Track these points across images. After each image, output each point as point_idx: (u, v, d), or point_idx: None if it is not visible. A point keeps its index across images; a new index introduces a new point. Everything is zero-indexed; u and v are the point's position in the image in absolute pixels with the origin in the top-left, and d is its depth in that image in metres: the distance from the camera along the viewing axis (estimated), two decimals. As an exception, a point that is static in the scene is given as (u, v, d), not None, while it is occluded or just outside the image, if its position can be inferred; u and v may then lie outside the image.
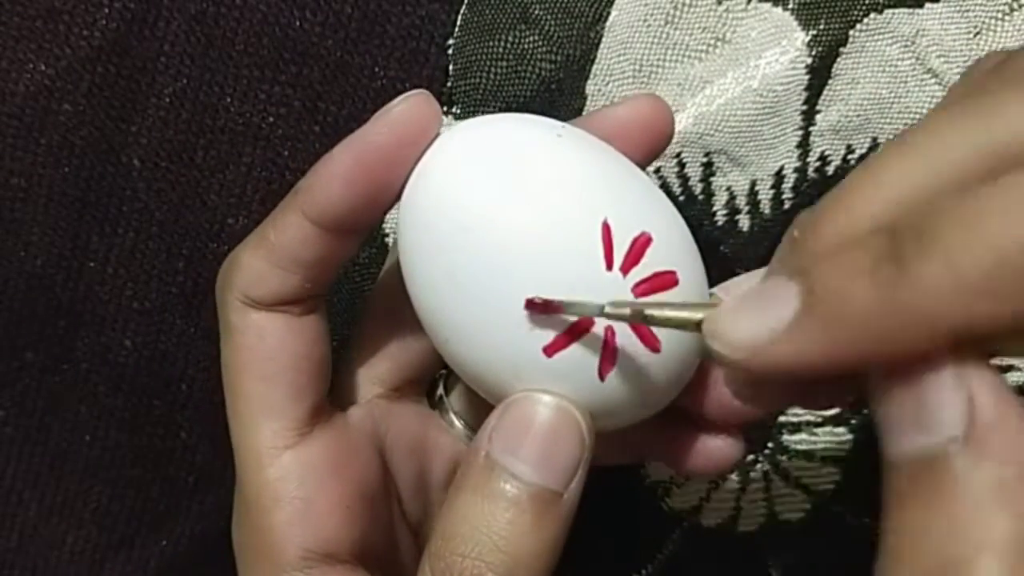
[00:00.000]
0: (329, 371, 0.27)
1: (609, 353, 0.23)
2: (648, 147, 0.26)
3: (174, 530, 0.35)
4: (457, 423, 0.29)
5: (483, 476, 0.22)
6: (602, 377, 0.23)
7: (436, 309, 0.23)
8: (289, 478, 0.25)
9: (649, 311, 0.21)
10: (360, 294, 0.33)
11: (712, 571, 0.38)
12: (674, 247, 0.24)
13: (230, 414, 0.26)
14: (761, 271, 0.23)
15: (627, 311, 0.21)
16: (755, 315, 0.19)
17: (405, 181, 0.24)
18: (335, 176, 0.24)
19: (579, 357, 0.23)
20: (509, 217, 0.23)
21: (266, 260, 0.25)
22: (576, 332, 0.22)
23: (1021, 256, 0.16)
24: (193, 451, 0.34)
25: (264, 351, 0.25)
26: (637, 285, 0.23)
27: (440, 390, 0.30)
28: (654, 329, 0.23)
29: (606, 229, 0.23)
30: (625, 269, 0.23)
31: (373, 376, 0.28)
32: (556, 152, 0.24)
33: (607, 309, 0.21)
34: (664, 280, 0.23)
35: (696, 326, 0.20)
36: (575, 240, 0.22)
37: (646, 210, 0.24)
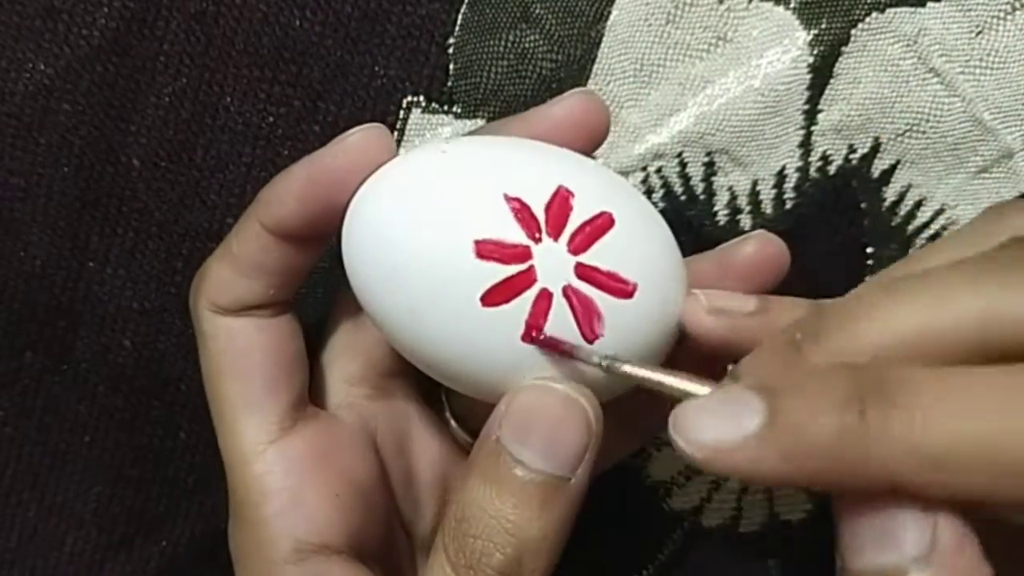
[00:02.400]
0: (305, 367, 0.27)
1: (537, 314, 0.23)
2: (583, 144, 0.26)
3: (173, 530, 0.35)
4: (453, 422, 0.30)
5: (491, 462, 0.23)
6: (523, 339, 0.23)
7: (399, 332, 0.24)
8: (275, 471, 0.26)
9: (647, 374, 0.22)
10: (333, 294, 0.33)
11: (713, 571, 0.38)
12: (599, 192, 0.24)
13: (214, 419, 0.27)
14: (745, 296, 0.24)
15: (624, 368, 0.23)
16: (719, 421, 0.20)
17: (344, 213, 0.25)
18: (289, 192, 0.25)
19: (512, 313, 0.23)
20: (432, 233, 0.23)
21: (230, 269, 0.26)
22: (513, 289, 0.23)
23: (977, 449, 0.18)
24: (192, 451, 0.34)
25: (235, 351, 0.26)
26: (571, 240, 0.23)
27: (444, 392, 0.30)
28: (601, 301, 0.23)
29: (559, 198, 0.23)
30: (574, 247, 0.23)
31: (350, 375, 0.29)
32: (453, 160, 0.24)
33: (603, 363, 0.23)
34: (597, 225, 0.24)
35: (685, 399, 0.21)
36: (493, 225, 0.23)
37: (556, 171, 0.24)
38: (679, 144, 0.33)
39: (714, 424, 0.20)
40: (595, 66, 0.32)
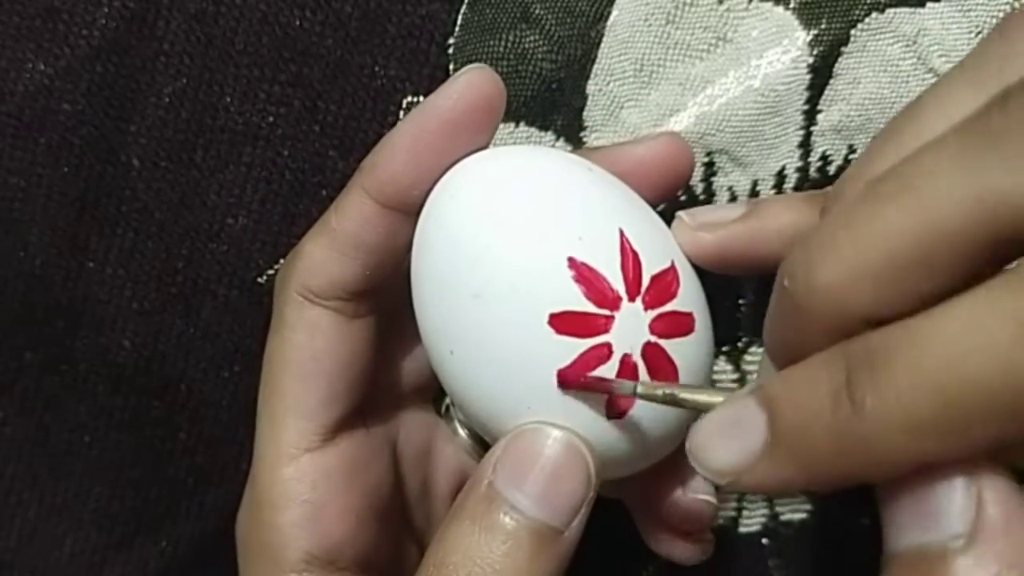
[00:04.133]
0: (367, 383, 0.26)
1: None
2: (664, 188, 0.26)
3: (173, 531, 0.35)
4: (462, 432, 0.29)
5: (483, 506, 0.22)
6: (610, 417, 0.22)
7: (448, 325, 0.23)
8: (304, 480, 0.25)
9: (681, 394, 0.21)
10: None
11: (713, 572, 0.38)
12: (691, 290, 0.23)
13: (260, 405, 0.26)
14: (730, 204, 0.23)
15: (659, 392, 0.22)
16: (730, 443, 0.19)
17: (425, 200, 0.24)
18: (398, 148, 0.24)
19: (590, 394, 0.22)
20: (535, 235, 0.22)
21: (327, 247, 0.25)
22: (594, 363, 0.22)
23: (966, 397, 0.16)
24: (192, 452, 0.34)
25: (311, 350, 0.25)
26: (655, 320, 0.22)
27: (448, 399, 0.30)
28: (676, 362, 0.23)
29: (632, 258, 0.22)
30: (648, 303, 0.22)
31: (386, 385, 0.28)
32: (585, 183, 0.23)
33: (639, 389, 0.22)
34: (681, 322, 0.23)
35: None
36: (600, 263, 0.22)
37: (670, 246, 0.24)
38: (679, 144, 0.33)
39: (725, 447, 0.19)
40: (595, 66, 0.32)
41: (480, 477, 0.22)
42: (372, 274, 0.25)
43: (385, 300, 0.27)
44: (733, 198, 0.33)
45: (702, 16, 0.32)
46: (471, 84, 0.23)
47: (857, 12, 0.32)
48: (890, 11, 0.32)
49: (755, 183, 0.33)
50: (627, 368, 0.22)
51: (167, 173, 0.32)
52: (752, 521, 0.37)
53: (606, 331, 0.22)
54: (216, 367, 0.33)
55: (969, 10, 0.32)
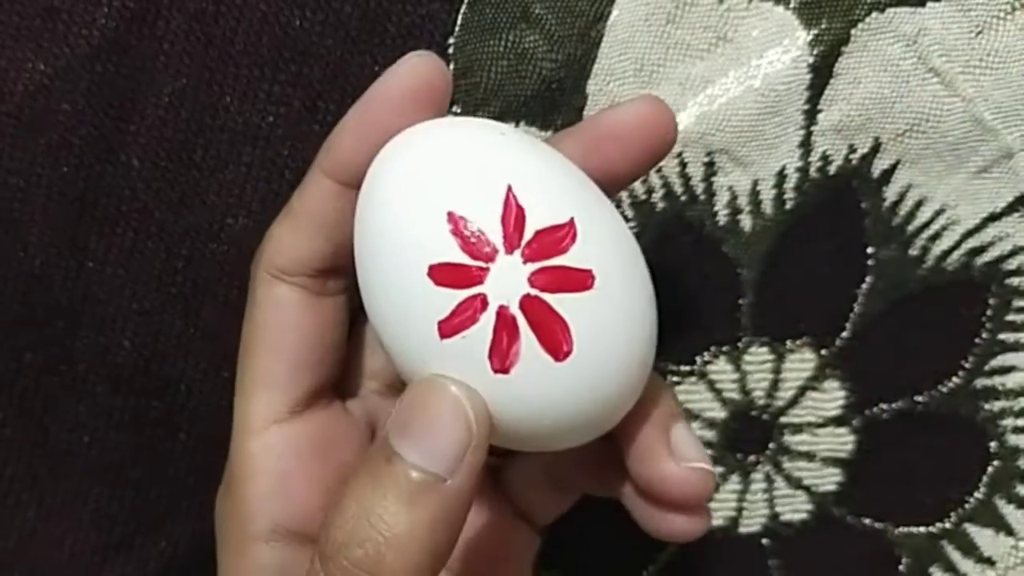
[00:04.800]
0: (339, 359, 0.27)
1: (499, 348, 0.22)
2: (648, 152, 0.26)
3: (173, 531, 0.34)
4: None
5: (377, 456, 0.22)
6: (495, 371, 0.23)
7: (363, 285, 0.24)
8: (271, 451, 0.26)
9: None
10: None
11: (713, 572, 0.38)
12: (604, 250, 0.23)
13: (236, 385, 0.27)
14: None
15: None
16: None
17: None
18: (346, 129, 0.25)
19: (471, 345, 0.22)
20: (422, 192, 0.23)
21: (290, 227, 0.26)
22: (469, 315, 0.22)
23: None
24: (192, 452, 0.34)
25: (276, 324, 0.26)
26: (536, 273, 0.22)
27: None
28: (566, 319, 0.22)
29: (516, 212, 0.23)
30: (528, 256, 0.22)
31: (368, 371, 0.29)
32: (490, 145, 0.24)
33: None
34: (572, 278, 0.23)
35: None
36: (480, 216, 0.22)
37: (581, 206, 0.23)
38: (679, 144, 0.33)
39: None
40: (595, 66, 0.32)
41: (381, 432, 0.23)
42: (335, 252, 0.26)
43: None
44: (734, 198, 0.33)
45: (702, 16, 0.32)
46: (412, 66, 0.24)
47: (857, 12, 0.32)
48: (890, 11, 0.32)
49: (755, 183, 0.33)
50: (504, 320, 0.22)
51: (167, 173, 0.32)
52: (752, 521, 0.37)
53: (480, 282, 0.22)
54: (216, 367, 0.33)
55: (969, 10, 0.32)
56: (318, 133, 0.32)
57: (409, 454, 0.22)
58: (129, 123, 0.31)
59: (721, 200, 0.34)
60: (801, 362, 0.35)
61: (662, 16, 0.32)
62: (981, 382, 0.36)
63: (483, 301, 0.22)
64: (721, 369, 0.35)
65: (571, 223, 0.23)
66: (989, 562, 0.38)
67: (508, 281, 0.22)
